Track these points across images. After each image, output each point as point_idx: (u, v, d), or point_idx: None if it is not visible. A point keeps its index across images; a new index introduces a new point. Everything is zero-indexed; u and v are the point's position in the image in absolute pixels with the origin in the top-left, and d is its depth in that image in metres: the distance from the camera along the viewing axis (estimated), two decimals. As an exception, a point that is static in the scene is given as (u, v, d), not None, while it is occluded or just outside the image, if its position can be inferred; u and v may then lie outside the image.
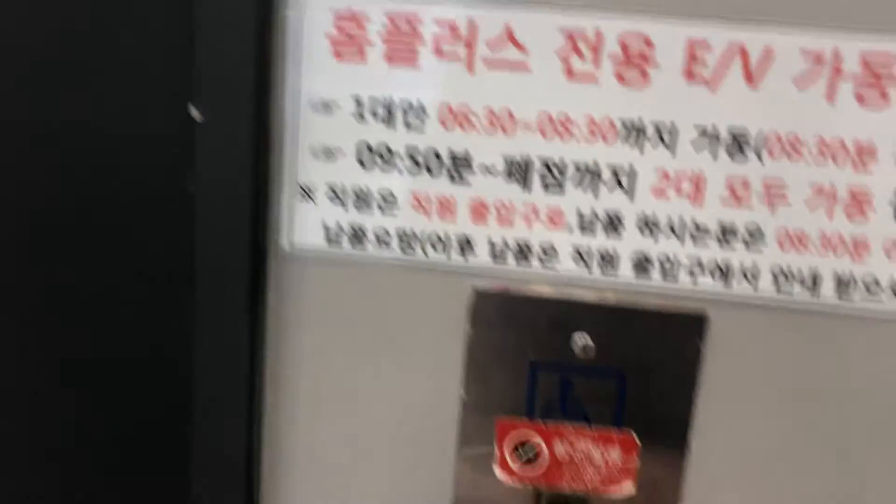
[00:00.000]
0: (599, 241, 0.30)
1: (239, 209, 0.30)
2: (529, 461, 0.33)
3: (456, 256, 0.31)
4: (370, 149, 0.31)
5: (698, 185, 0.29)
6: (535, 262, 0.31)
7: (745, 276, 0.30)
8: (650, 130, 0.29)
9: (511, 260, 0.31)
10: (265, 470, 0.34)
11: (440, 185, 0.31)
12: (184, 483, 0.34)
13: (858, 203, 0.29)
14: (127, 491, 0.38)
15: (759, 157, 0.29)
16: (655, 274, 0.30)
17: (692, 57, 0.28)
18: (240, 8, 0.28)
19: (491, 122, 0.30)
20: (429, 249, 0.31)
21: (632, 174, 0.29)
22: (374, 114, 0.30)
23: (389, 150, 0.31)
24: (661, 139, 0.29)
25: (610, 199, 0.30)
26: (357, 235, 0.31)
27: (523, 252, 0.31)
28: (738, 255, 0.30)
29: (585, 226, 0.30)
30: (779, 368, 0.31)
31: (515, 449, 0.33)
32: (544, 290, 0.31)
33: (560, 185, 0.30)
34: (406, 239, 0.31)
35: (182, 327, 0.32)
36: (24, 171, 0.34)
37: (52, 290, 0.36)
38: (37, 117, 0.33)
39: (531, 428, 0.33)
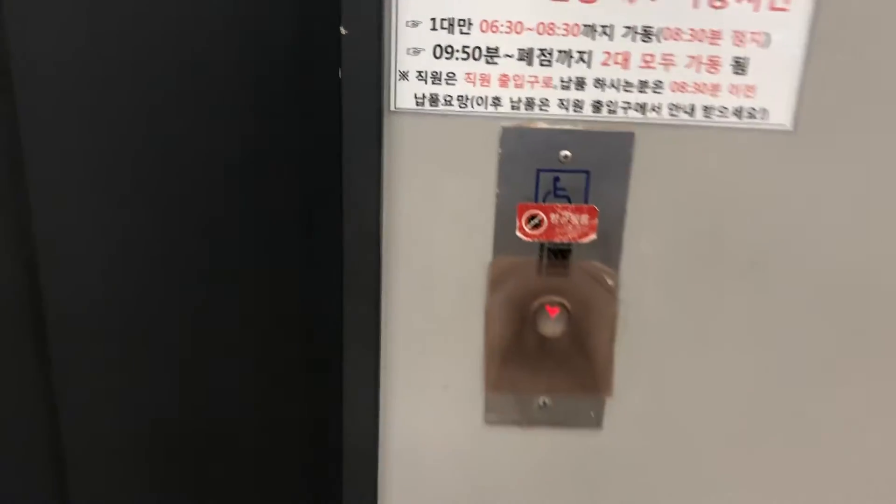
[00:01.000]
0: (572, 94, 0.54)
1: (368, 86, 0.53)
2: (536, 226, 0.57)
3: (491, 108, 0.55)
4: (440, 47, 0.53)
5: (626, 59, 0.53)
6: (536, 109, 0.54)
7: (654, 109, 0.54)
8: (599, 29, 0.52)
9: (523, 109, 0.54)
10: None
11: (480, 67, 0.54)
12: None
13: (713, 64, 0.53)
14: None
15: (659, 40, 0.52)
16: (604, 111, 0.54)
17: (620, -13, 0.51)
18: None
19: (509, 28, 0.53)
20: (475, 105, 0.54)
21: (589, 54, 0.53)
22: (442, 27, 0.53)
23: (451, 48, 0.53)
24: (605, 33, 0.52)
25: (577, 69, 0.53)
26: (433, 100, 0.54)
27: (530, 103, 0.54)
28: (649, 98, 0.54)
29: (564, 85, 0.54)
30: (674, 160, 0.56)
31: (528, 220, 0.57)
32: (542, 125, 0.55)
33: (550, 63, 0.53)
34: (462, 100, 0.54)
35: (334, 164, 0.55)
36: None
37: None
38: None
39: (536, 207, 0.57)
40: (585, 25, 0.52)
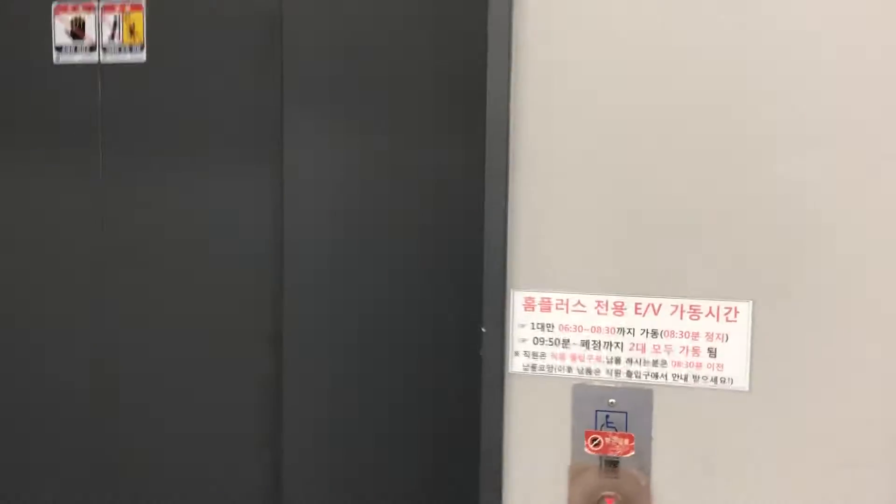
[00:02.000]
0: (613, 366, 0.93)
1: (496, 361, 0.95)
2: (596, 445, 0.94)
3: (566, 373, 0.95)
4: (537, 339, 0.95)
5: (643, 348, 0.93)
6: (593, 374, 0.94)
7: (662, 377, 0.92)
8: (626, 330, 0.93)
9: (585, 374, 0.94)
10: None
11: (559, 350, 0.95)
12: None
13: (696, 351, 0.91)
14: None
15: (662, 337, 0.92)
16: (633, 377, 0.93)
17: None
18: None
19: (575, 329, 0.94)
20: (557, 371, 0.95)
21: (621, 344, 0.93)
22: (537, 327, 0.95)
23: (542, 340, 0.95)
24: (630, 332, 0.93)
25: (615, 353, 0.93)
26: (533, 367, 0.95)
27: (588, 371, 0.94)
28: (659, 370, 0.92)
29: (608, 361, 0.94)
30: (676, 406, 0.92)
31: (591, 441, 0.94)
32: (597, 384, 0.94)
33: (598, 348, 0.94)
34: (549, 368, 0.95)
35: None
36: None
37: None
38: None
39: (596, 433, 0.94)
40: (618, 328, 0.93)
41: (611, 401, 0.93)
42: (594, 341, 0.93)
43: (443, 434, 1.27)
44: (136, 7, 1.38)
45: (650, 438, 0.92)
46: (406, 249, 1.27)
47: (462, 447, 1.14)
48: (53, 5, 1.41)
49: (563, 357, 0.94)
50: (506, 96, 0.91)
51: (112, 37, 1.39)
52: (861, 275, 0.85)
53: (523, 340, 0.95)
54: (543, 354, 0.95)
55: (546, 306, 0.94)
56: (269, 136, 1.32)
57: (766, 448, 0.89)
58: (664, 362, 0.92)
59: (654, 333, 0.91)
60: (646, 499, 0.92)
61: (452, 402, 1.24)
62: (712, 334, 0.90)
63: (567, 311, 0.93)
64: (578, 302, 0.93)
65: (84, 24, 1.40)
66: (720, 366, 0.90)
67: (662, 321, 0.91)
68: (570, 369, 0.94)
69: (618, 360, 0.93)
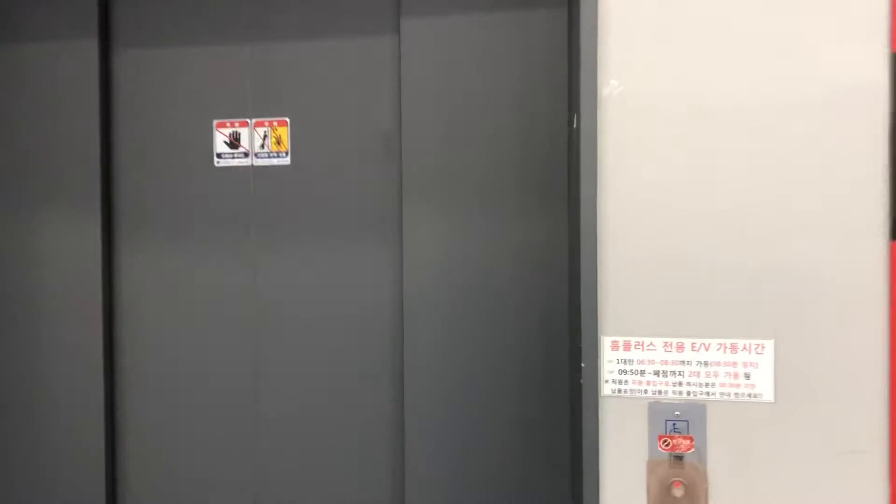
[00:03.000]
0: (678, 388, 1.32)
1: (593, 391, 1.33)
2: (667, 445, 1.33)
3: (643, 395, 1.33)
4: (622, 371, 1.34)
5: (698, 374, 1.31)
6: (662, 394, 1.33)
7: (713, 394, 1.31)
8: (686, 362, 1.32)
9: (657, 395, 1.33)
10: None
11: (638, 378, 1.33)
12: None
13: (736, 375, 1.30)
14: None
15: (710, 366, 1.31)
16: (692, 395, 1.32)
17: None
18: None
19: (649, 363, 1.33)
20: (636, 394, 1.33)
21: (682, 372, 1.32)
22: (620, 363, 1.34)
23: (626, 370, 1.34)
24: (688, 363, 1.32)
25: (678, 378, 1.32)
26: (619, 392, 1.34)
27: (659, 392, 1.33)
28: (710, 389, 1.31)
29: (673, 384, 1.32)
30: (723, 416, 1.31)
31: (663, 442, 1.33)
32: (666, 401, 1.33)
33: (667, 376, 1.33)
34: (631, 392, 1.34)
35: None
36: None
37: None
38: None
39: (667, 436, 1.33)
40: (679, 361, 1.31)
41: (676, 413, 1.31)
42: (662, 371, 1.32)
43: (542, 447, 1.65)
44: (282, 123, 1.79)
45: (705, 439, 1.30)
46: (506, 306, 1.66)
47: (560, 460, 1.53)
48: (214, 122, 1.81)
49: (640, 383, 1.33)
50: (594, 209, 1.31)
51: (262, 146, 1.79)
52: (844, 314, 1.25)
53: (611, 372, 1.33)
54: (626, 381, 1.33)
55: (627, 347, 1.32)
56: (390, 222, 1.72)
57: (789, 441, 1.27)
58: (713, 384, 1.30)
59: (706, 363, 1.30)
60: (703, 482, 1.30)
61: (547, 421, 1.62)
62: (747, 363, 1.29)
63: (642, 350, 1.32)
64: (651, 343, 1.32)
65: (240, 136, 1.80)
66: (753, 385, 1.29)
67: (711, 355, 1.30)
68: (645, 391, 1.33)
69: (680, 384, 1.31)
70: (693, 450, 1.31)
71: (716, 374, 1.30)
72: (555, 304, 1.65)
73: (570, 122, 1.51)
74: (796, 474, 1.27)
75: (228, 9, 1.79)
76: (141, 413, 1.85)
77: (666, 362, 1.32)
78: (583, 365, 1.33)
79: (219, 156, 1.81)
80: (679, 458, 1.31)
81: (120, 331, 1.85)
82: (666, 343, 1.31)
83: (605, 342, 1.33)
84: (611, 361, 1.33)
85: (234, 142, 1.80)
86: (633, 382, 1.33)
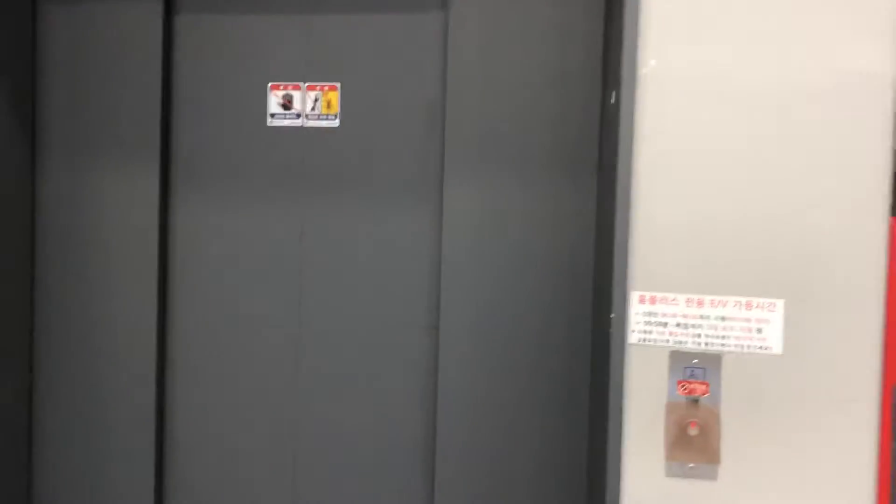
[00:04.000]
0: (696, 339, 1.48)
1: (620, 341, 1.49)
2: (684, 390, 1.49)
3: (665, 343, 1.49)
4: (648, 322, 1.50)
5: (715, 327, 1.48)
6: (682, 344, 1.49)
7: (727, 345, 1.47)
8: (706, 316, 1.48)
9: (678, 344, 1.49)
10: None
11: (660, 329, 1.49)
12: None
13: (750, 329, 1.46)
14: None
15: (727, 321, 1.47)
16: (709, 346, 1.48)
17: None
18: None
19: (672, 316, 1.48)
20: (659, 342, 1.49)
21: (700, 325, 1.48)
22: (646, 315, 1.50)
23: (651, 322, 1.49)
24: (707, 317, 1.48)
25: (696, 331, 1.48)
26: (644, 340, 1.50)
27: (680, 342, 1.49)
28: (725, 341, 1.47)
29: (693, 336, 1.48)
30: (736, 364, 1.47)
31: (681, 386, 1.49)
32: (685, 350, 1.49)
33: (686, 328, 1.48)
34: (654, 341, 1.49)
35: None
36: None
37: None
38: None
39: (684, 381, 1.49)
40: (699, 315, 1.47)
41: (694, 361, 1.47)
42: (683, 323, 1.48)
43: (563, 395, 1.81)
44: (333, 87, 1.92)
45: (720, 385, 1.46)
46: (535, 266, 1.81)
47: (583, 406, 1.69)
48: (269, 84, 1.95)
49: (663, 333, 1.48)
50: (629, 175, 1.46)
51: (313, 108, 1.93)
52: (848, 279, 1.41)
53: (637, 322, 1.49)
54: (651, 332, 1.49)
55: (653, 301, 1.48)
56: (431, 186, 1.87)
57: (793, 389, 1.44)
58: (728, 337, 1.46)
59: (723, 318, 1.46)
60: (715, 424, 1.46)
61: (577, 372, 1.78)
62: (759, 319, 1.45)
63: (667, 304, 1.48)
64: (674, 298, 1.48)
65: (292, 98, 1.94)
66: (764, 339, 1.45)
67: (728, 311, 1.46)
68: (667, 341, 1.48)
69: (699, 336, 1.47)
70: (708, 394, 1.47)
71: (731, 328, 1.46)
72: (581, 266, 1.80)
73: (608, 98, 1.66)
74: (799, 418, 1.43)
75: (286, -21, 1.92)
76: (190, 351, 1.99)
77: (687, 316, 1.47)
78: (612, 315, 1.48)
79: (272, 115, 1.94)
80: (695, 401, 1.47)
81: (172, 273, 1.99)
82: (688, 299, 1.47)
83: (633, 296, 1.49)
84: (637, 313, 1.49)
85: (286, 103, 1.94)
86: (657, 333, 1.48)
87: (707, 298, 1.46)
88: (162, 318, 1.97)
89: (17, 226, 1.93)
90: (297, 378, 1.94)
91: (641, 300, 1.48)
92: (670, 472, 1.48)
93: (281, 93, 1.93)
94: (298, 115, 1.93)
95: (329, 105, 1.91)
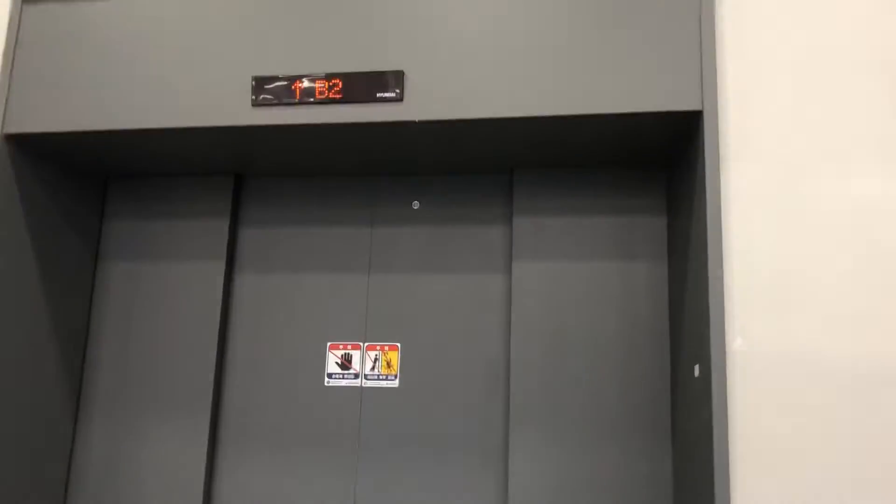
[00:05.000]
0: None
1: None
2: None
3: None
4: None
5: None
6: None
7: None
8: None
9: None
10: None
11: None
12: None
13: None
14: None
15: None
16: None
17: None
18: None
19: None
20: None
21: None
22: None
23: None
24: None
25: None
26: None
27: None
28: None
29: None
30: None
31: None
32: None
33: None
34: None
35: None
36: None
37: None
38: None
39: None
40: None
41: None
42: None
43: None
44: (393, 348, 1.92)
45: None
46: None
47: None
48: (328, 343, 1.93)
49: None
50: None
51: (373, 368, 1.91)
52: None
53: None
54: None
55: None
56: (494, 446, 1.81)
57: None
58: None
59: None
60: None
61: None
62: None
63: None
64: None
65: (351, 358, 1.92)
66: None
67: None
68: None
69: None
70: None
71: None
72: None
73: (683, 366, 1.66)
74: None
75: (349, 242, 1.97)
76: None
77: None
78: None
79: (329, 376, 1.91)
80: None
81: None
82: None
83: None
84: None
85: (345, 363, 1.91)
86: None
87: None
88: None
89: (52, 481, 1.81)
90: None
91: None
92: None
93: (340, 352, 1.92)
94: (356, 376, 1.90)
95: (389, 364, 1.90)
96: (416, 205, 1.94)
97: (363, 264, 1.95)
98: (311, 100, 1.60)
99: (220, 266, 1.94)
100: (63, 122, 1.71)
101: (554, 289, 1.85)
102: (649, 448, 1.76)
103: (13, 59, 1.75)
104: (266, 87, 1.62)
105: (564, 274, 1.86)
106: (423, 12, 1.63)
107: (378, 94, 1.58)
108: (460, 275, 1.92)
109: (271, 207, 2.00)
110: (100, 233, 2.02)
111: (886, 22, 1.54)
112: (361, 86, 1.59)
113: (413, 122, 1.59)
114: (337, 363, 1.91)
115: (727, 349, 1.47)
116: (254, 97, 1.62)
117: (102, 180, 2.05)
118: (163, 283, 1.97)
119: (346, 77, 1.60)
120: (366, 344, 1.92)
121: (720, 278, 1.48)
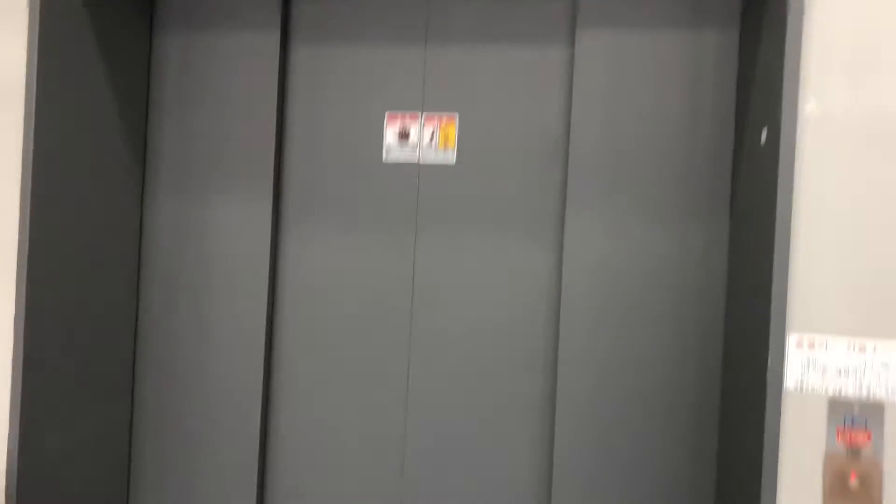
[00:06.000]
0: (855, 389, 1.43)
1: (777, 383, 1.44)
2: (843, 441, 1.43)
3: (824, 392, 1.44)
4: (805, 371, 1.45)
5: (862, 373, 1.42)
6: (840, 393, 1.43)
7: (891, 394, 1.42)
8: (851, 369, 1.43)
9: (836, 393, 1.44)
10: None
11: (821, 377, 1.44)
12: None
13: None
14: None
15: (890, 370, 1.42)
16: (869, 396, 1.43)
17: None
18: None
19: (834, 357, 1.43)
20: (819, 392, 1.44)
21: (860, 371, 1.43)
22: (805, 364, 1.44)
23: (810, 369, 1.44)
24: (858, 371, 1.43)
25: (857, 380, 1.43)
26: (800, 388, 1.44)
27: (839, 391, 1.43)
28: (887, 390, 1.42)
29: (853, 384, 1.43)
30: (902, 415, 1.41)
31: (840, 436, 1.43)
32: (844, 399, 1.43)
33: (847, 376, 1.43)
34: (810, 388, 1.44)
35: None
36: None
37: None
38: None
39: (843, 429, 1.43)
40: (861, 361, 1.42)
41: (855, 409, 1.42)
42: (845, 369, 1.42)
43: (689, 444, 1.75)
44: (451, 119, 1.90)
45: (882, 436, 1.41)
46: (661, 313, 1.77)
47: (711, 450, 1.63)
48: (386, 113, 1.92)
49: (820, 382, 1.43)
50: (788, 219, 1.42)
51: (430, 142, 1.90)
52: None
53: (794, 368, 1.44)
54: (808, 377, 1.44)
55: (811, 345, 1.43)
56: (550, 224, 1.83)
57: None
58: (894, 385, 1.41)
59: (886, 365, 1.41)
60: (879, 478, 1.41)
61: (706, 415, 1.73)
62: (925, 367, 1.40)
63: (826, 349, 1.43)
64: (834, 342, 1.43)
65: (409, 131, 1.91)
66: (930, 388, 1.39)
67: (892, 357, 1.41)
68: (826, 390, 1.43)
69: (859, 386, 1.42)
70: (870, 446, 1.41)
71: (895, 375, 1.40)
72: (709, 308, 1.76)
73: (746, 139, 1.62)
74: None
75: (405, 10, 1.90)
76: (298, 380, 1.95)
77: (847, 369, 1.42)
78: (769, 362, 1.43)
79: (387, 150, 1.92)
80: (856, 452, 1.42)
81: (281, 309, 1.95)
82: (849, 343, 1.42)
83: (791, 340, 1.44)
84: (795, 358, 1.44)
85: (403, 136, 1.91)
86: (815, 379, 1.43)
87: (869, 344, 1.41)
88: (269, 345, 1.93)
89: (125, 255, 1.90)
90: (407, 418, 1.90)
91: (799, 344, 1.43)
92: (828, 526, 1.42)
93: (398, 123, 1.91)
94: (415, 149, 1.90)
95: (447, 139, 1.89)
96: (475, -29, 1.85)
97: (420, 33, 1.89)
98: None
99: (276, 38, 1.91)
100: None
101: (617, 61, 1.79)
102: (708, 225, 1.76)
103: None
104: None
105: (629, 43, 1.78)
106: None
107: None
108: (522, 45, 1.86)
109: (325, -24, 1.93)
110: (153, 4, 1.99)
111: None
112: None
113: None
114: (395, 134, 1.91)
115: (798, 112, 1.42)
116: None
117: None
118: (218, 55, 1.95)
119: None
120: (424, 115, 1.90)
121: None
